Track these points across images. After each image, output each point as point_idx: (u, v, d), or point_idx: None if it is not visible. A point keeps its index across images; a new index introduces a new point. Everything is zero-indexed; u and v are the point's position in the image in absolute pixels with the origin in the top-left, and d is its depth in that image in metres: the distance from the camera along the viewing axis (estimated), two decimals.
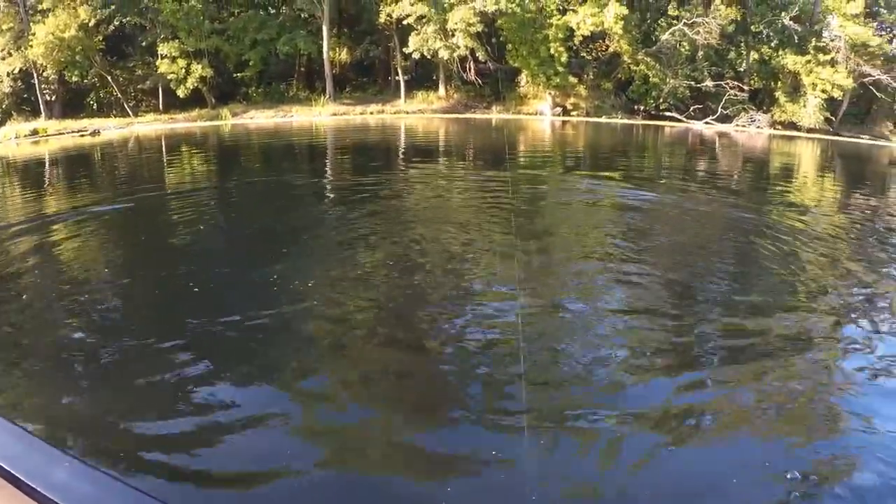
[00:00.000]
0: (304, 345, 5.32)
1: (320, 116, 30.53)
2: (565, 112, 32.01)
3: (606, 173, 16.35)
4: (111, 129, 25.01)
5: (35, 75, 25.01)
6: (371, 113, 31.40)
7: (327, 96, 31.26)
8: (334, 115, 30.83)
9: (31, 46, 24.02)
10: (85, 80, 26.17)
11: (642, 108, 31.57)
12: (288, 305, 5.92)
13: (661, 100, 30.70)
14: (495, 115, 32.04)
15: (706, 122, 30.09)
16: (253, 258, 7.93)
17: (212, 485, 3.51)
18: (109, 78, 26.44)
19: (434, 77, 32.96)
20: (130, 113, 26.86)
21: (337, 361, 5.08)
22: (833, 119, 29.46)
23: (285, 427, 4.04)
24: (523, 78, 31.96)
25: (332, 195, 12.89)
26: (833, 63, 28.13)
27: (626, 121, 31.42)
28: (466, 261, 7.63)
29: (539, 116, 32.04)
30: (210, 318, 5.72)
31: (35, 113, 25.16)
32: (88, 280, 7.01)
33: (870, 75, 27.98)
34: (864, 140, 28.96)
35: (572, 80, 31.00)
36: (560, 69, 29.92)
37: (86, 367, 4.86)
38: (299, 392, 4.54)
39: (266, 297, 6.11)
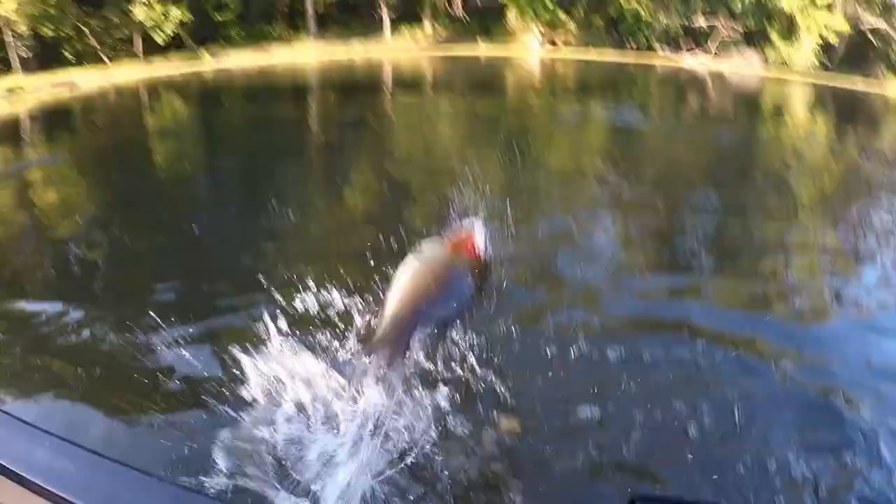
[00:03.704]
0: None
1: (304, 56, 29.93)
2: (555, 49, 31.24)
3: (596, 105, 16.53)
4: (90, 80, 24.76)
5: (8, 31, 24.50)
6: (356, 51, 30.75)
7: (311, 36, 30.49)
8: (318, 54, 30.22)
9: (2, 3, 23.42)
10: (60, 33, 25.55)
11: (634, 45, 30.75)
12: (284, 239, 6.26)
13: (652, 38, 29.88)
14: (483, 51, 31.29)
15: (699, 62, 29.40)
16: (248, 195, 8.12)
17: (195, 453, 3.24)
18: (85, 29, 25.86)
19: (420, 14, 31.90)
20: (109, 63, 26.46)
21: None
22: (828, 63, 28.71)
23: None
24: (512, 14, 30.94)
25: (320, 131, 13.27)
26: (830, 7, 27.11)
27: (617, 58, 30.69)
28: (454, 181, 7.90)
29: (528, 52, 31.29)
30: (201, 261, 5.73)
31: (10, 70, 24.83)
32: (74, 225, 7.03)
33: (867, 21, 27.02)
34: (859, 85, 28.32)
35: (562, 16, 30.09)
36: (549, 5, 29.04)
37: (64, 329, 4.64)
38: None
39: (261, 237, 6.29)
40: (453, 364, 3.34)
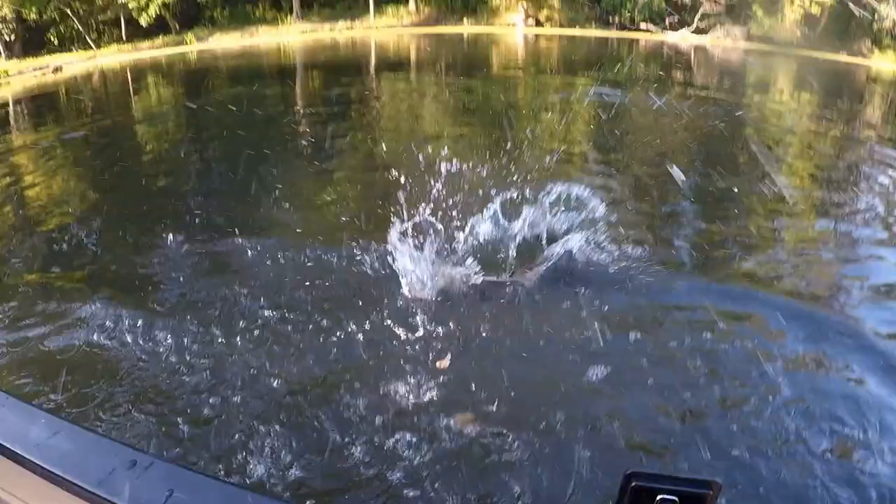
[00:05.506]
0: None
1: (288, 36, 30.09)
2: (538, 24, 31.32)
3: (581, 79, 16.71)
4: (74, 63, 25.05)
5: None
6: (340, 30, 30.87)
7: (294, 15, 30.63)
8: (303, 33, 30.38)
9: None
10: (44, 17, 25.86)
11: (617, 20, 30.73)
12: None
13: (635, 12, 29.87)
14: (467, 28, 31.38)
15: (681, 36, 29.40)
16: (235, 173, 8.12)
17: (182, 430, 3.28)
18: (69, 11, 26.12)
19: None
20: (93, 46, 26.74)
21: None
22: (811, 35, 28.62)
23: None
24: None
25: (306, 111, 13.36)
26: None
27: (600, 33, 30.70)
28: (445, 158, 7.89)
29: (512, 29, 31.37)
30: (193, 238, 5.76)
31: None
32: (64, 210, 7.16)
33: None
34: (842, 58, 28.26)
35: None
36: None
37: (54, 309, 4.60)
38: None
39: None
40: None
